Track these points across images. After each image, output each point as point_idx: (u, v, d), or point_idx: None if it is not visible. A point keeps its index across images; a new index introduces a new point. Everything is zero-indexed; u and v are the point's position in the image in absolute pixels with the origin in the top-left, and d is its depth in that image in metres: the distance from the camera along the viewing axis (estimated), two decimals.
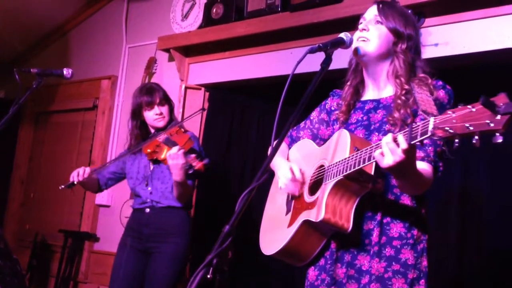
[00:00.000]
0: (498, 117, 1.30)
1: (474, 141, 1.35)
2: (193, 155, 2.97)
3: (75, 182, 3.26)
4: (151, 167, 3.29)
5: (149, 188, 3.27)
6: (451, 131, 1.38)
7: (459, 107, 1.40)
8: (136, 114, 3.33)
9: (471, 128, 1.34)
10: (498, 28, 2.96)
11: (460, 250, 3.38)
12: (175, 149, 2.96)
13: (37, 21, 5.46)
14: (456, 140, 1.40)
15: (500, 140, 1.31)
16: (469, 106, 1.37)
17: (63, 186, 3.33)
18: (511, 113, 1.29)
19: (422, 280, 1.87)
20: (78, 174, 3.26)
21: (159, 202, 3.24)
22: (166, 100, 3.34)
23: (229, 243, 1.43)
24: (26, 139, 5.81)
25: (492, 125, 1.31)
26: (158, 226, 3.23)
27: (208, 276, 1.40)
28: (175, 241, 3.20)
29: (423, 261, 1.89)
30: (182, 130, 3.23)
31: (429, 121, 1.46)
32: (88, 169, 3.28)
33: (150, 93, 3.30)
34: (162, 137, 3.13)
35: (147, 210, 3.26)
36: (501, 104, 1.30)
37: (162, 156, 3.08)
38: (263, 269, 4.20)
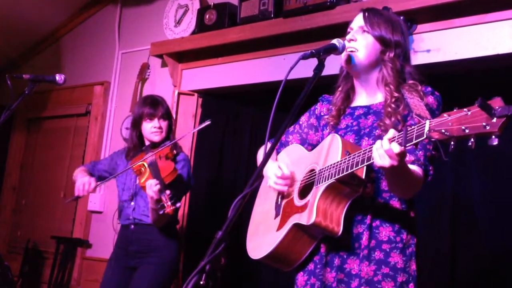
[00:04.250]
0: (494, 119, 1.33)
1: (469, 144, 1.37)
2: (168, 193, 2.89)
3: (81, 196, 3.15)
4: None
5: (132, 203, 3.22)
6: (447, 133, 1.41)
7: (455, 110, 1.42)
8: (137, 124, 3.23)
9: (467, 130, 1.37)
10: (489, 34, 2.98)
11: (453, 255, 3.39)
12: (153, 182, 2.88)
13: (29, 27, 5.45)
14: (452, 143, 1.42)
15: (495, 143, 1.34)
16: (465, 109, 1.40)
17: (68, 200, 3.41)
18: (507, 116, 1.31)
19: (411, 284, 1.88)
20: (84, 188, 3.12)
21: (141, 220, 3.19)
22: (168, 116, 3.24)
23: (222, 249, 1.42)
24: (18, 145, 5.78)
25: (488, 127, 1.33)
26: (143, 243, 3.17)
27: (201, 283, 1.39)
28: (160, 254, 3.14)
29: (412, 265, 1.91)
30: (174, 152, 3.14)
31: (424, 124, 1.47)
32: (93, 183, 3.16)
33: (154, 104, 3.20)
34: (150, 158, 3.04)
35: (132, 226, 3.21)
36: (497, 107, 1.33)
37: (142, 181, 3.00)
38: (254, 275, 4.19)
